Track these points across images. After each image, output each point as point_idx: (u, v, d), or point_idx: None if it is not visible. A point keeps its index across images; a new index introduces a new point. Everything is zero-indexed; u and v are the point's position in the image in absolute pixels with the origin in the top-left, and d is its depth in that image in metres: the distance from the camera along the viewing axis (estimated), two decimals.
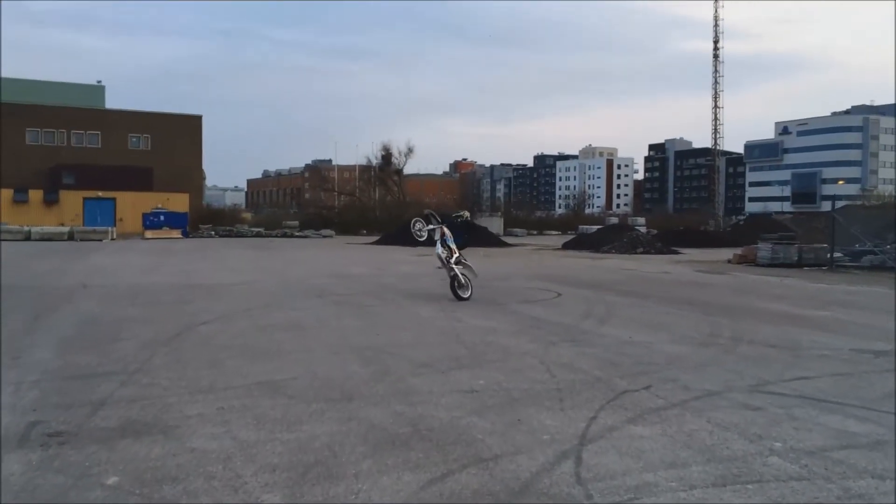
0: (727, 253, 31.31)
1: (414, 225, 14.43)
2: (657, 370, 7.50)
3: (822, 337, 9.86)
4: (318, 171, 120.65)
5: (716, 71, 73.07)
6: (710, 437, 5.25)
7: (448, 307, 12.44)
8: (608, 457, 4.78)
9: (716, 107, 73.53)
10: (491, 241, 42.55)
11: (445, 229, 13.89)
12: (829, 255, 25.21)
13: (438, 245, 13.69)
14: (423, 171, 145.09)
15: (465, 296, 13.35)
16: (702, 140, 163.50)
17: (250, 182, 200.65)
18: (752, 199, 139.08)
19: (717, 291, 16.32)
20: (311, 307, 12.39)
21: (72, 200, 54.41)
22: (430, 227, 14.07)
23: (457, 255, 13.61)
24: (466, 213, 14.64)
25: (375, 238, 45.92)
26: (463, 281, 13.49)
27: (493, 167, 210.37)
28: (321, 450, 4.85)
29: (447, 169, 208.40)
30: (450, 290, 13.46)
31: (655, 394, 6.47)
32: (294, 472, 4.43)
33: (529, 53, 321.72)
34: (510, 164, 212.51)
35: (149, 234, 47.74)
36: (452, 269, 13.45)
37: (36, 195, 53.94)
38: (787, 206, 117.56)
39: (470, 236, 14.48)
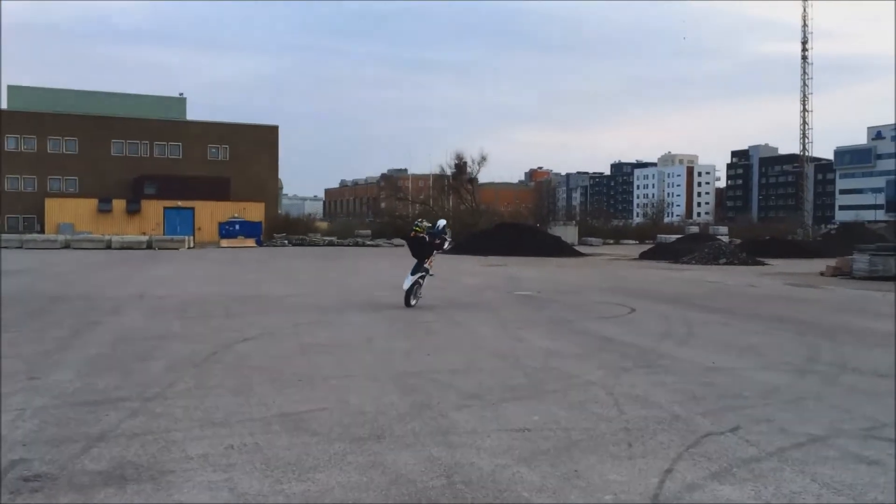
0: (818, 264, 29.30)
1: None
2: (746, 405, 6.38)
3: None
4: (393, 180, 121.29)
5: (804, 73, 69.44)
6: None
7: (511, 325, 11.49)
8: None
9: (804, 110, 69.86)
10: (564, 250, 41.29)
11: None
12: None
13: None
14: (497, 180, 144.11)
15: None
16: (788, 146, 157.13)
17: (328, 191, 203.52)
18: (842, 208, 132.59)
19: (811, 308, 14.83)
20: (363, 323, 11.63)
21: (153, 210, 55.75)
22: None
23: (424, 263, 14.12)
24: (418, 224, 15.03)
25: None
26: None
27: (568, 175, 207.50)
28: None
29: (522, 178, 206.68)
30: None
31: (745, 438, 5.38)
32: None
33: (605, 61, 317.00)
34: (586, 173, 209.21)
35: (224, 242, 48.36)
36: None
37: (119, 205, 55.46)
38: (880, 215, 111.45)
39: (425, 248, 14.40)
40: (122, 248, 41.92)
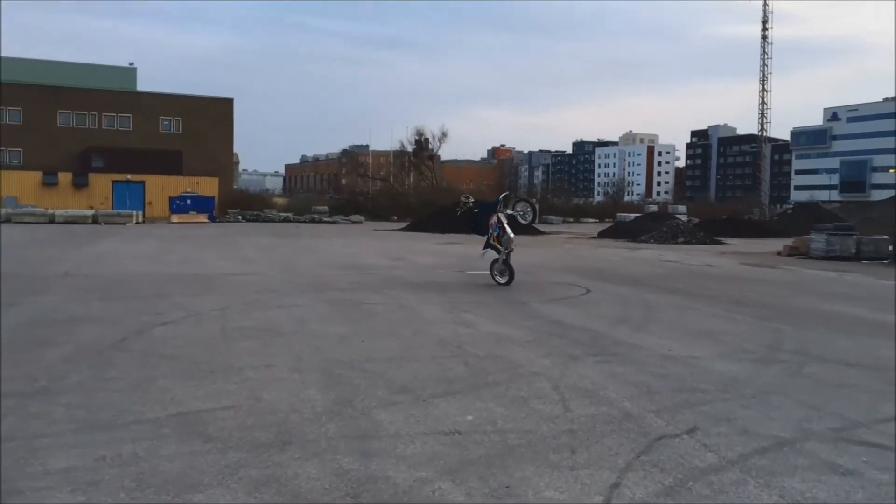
0: (774, 244, 29.19)
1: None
2: (705, 401, 5.78)
3: None
4: (354, 156, 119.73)
5: (764, 53, 69.73)
6: None
7: (459, 308, 10.79)
8: None
9: (763, 90, 70.26)
10: (523, 228, 40.67)
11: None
12: (890, 248, 22.99)
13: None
14: (460, 158, 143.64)
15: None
16: (746, 126, 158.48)
17: (288, 167, 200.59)
18: (797, 188, 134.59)
19: (771, 289, 14.40)
20: (302, 305, 10.83)
21: (101, 184, 53.76)
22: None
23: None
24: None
25: (404, 224, 44.41)
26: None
27: (531, 154, 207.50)
28: None
29: (485, 155, 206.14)
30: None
31: (703, 441, 4.76)
32: None
33: (569, 41, 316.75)
34: (548, 151, 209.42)
35: (175, 218, 46.84)
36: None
37: (66, 178, 53.37)
38: (834, 195, 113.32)
39: (478, 224, 14.46)
40: (67, 222, 40.31)
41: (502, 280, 13.49)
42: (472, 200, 15.02)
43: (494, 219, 13.77)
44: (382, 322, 9.45)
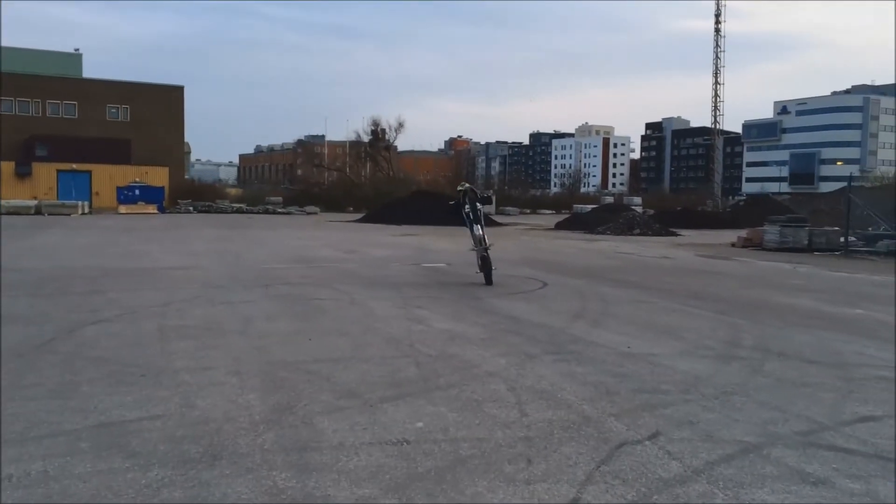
0: (728, 235, 29.48)
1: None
2: (666, 402, 5.52)
3: (868, 346, 7.89)
4: (310, 146, 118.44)
5: (717, 46, 70.62)
6: None
7: (412, 303, 10.43)
8: None
9: (716, 83, 71.16)
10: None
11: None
12: (842, 240, 23.28)
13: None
14: (417, 148, 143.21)
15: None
16: (699, 119, 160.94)
17: (242, 157, 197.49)
18: (749, 180, 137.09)
19: (727, 282, 14.34)
20: (248, 301, 10.36)
21: (45, 173, 52.09)
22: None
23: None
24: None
25: (360, 216, 43.86)
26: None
27: (488, 145, 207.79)
28: None
29: (442, 146, 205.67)
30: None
31: (666, 448, 4.48)
32: None
33: (526, 33, 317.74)
34: (505, 142, 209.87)
35: (123, 208, 45.59)
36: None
37: (8, 167, 51.56)
38: (784, 187, 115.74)
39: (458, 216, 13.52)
40: (8, 213, 38.86)
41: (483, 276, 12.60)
42: (468, 187, 13.90)
43: (464, 214, 13.27)
44: (332, 319, 9.04)
